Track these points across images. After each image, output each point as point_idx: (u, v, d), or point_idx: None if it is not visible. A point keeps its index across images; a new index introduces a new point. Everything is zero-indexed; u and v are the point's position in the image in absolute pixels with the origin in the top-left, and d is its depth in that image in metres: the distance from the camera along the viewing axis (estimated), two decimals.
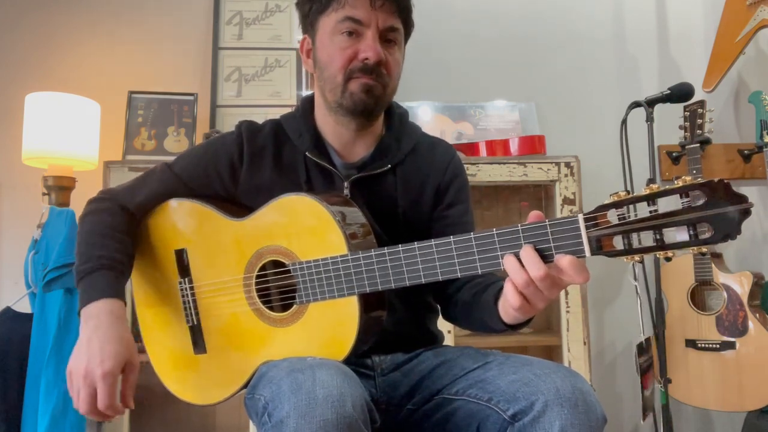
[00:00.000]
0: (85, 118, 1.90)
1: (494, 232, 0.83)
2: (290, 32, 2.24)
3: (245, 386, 1.02)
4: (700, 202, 0.70)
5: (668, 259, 0.75)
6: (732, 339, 1.87)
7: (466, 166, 1.90)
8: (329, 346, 0.95)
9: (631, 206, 0.75)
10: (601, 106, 2.34)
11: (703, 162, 1.91)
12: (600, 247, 0.77)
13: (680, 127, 1.96)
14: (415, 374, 1.05)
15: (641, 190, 0.75)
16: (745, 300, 1.87)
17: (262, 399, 0.85)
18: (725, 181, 0.69)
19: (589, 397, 0.85)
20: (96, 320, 0.96)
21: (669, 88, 1.82)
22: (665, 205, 0.73)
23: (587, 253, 0.78)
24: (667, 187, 0.72)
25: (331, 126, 1.11)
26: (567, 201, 1.94)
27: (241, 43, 2.21)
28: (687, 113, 1.95)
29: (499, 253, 0.84)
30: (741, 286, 1.89)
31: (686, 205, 0.71)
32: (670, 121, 2.07)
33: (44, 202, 1.86)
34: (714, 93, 2.22)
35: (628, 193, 0.75)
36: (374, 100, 1.04)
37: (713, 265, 1.92)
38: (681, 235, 0.72)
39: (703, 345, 1.91)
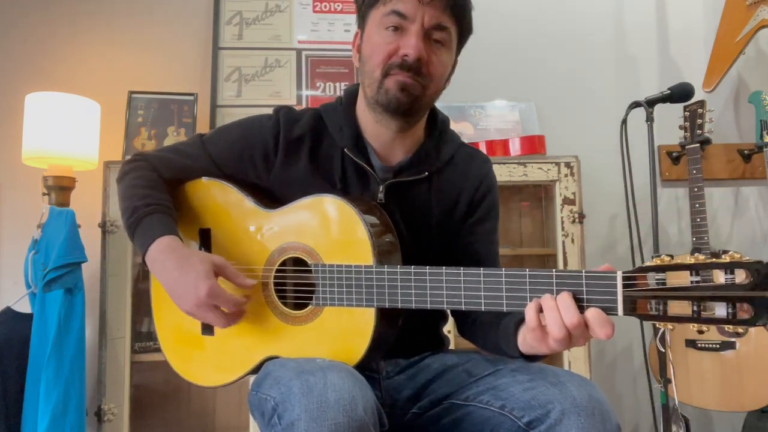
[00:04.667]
0: (85, 118, 1.90)
1: (527, 272, 0.82)
2: (290, 32, 2.24)
3: (246, 375, 1.02)
4: (746, 281, 0.69)
5: (700, 332, 0.73)
6: (732, 339, 1.87)
7: None
8: (339, 352, 0.95)
9: (672, 273, 0.73)
10: (601, 106, 2.34)
11: (703, 162, 1.91)
12: (633, 308, 0.75)
13: (680, 127, 1.96)
14: (421, 378, 1.04)
15: (686, 257, 0.73)
16: None
17: (271, 400, 0.84)
18: None
19: (605, 406, 0.85)
20: (159, 263, 0.98)
21: (669, 88, 1.82)
22: (708, 276, 0.72)
23: (620, 312, 0.76)
24: (713, 260, 0.71)
25: (371, 124, 1.07)
26: (567, 201, 1.94)
27: (241, 43, 2.21)
28: (687, 113, 1.95)
29: (528, 295, 0.82)
30: None
31: (730, 281, 0.69)
32: (670, 121, 2.06)
33: (44, 202, 1.86)
34: (714, 93, 2.22)
35: (672, 258, 0.74)
36: (410, 100, 1.00)
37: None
38: (719, 310, 0.70)
39: (703, 345, 1.91)
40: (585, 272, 0.78)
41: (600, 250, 2.25)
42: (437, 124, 1.13)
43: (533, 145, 2.04)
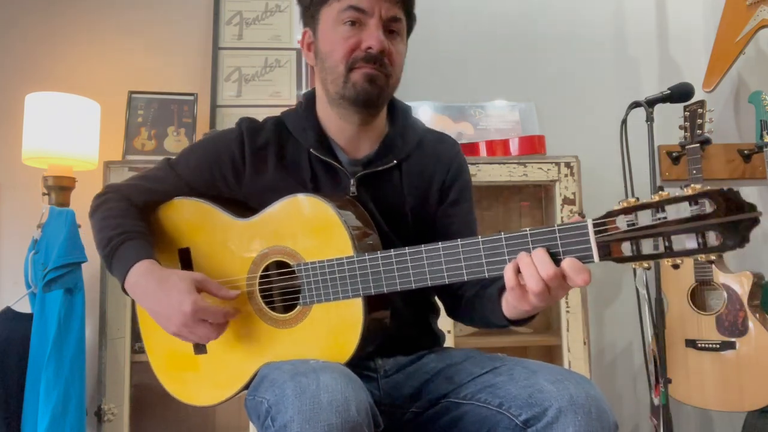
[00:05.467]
0: (85, 118, 1.90)
1: (502, 236, 0.83)
2: (290, 32, 2.24)
3: (246, 387, 1.02)
4: (709, 210, 0.70)
5: (676, 266, 0.75)
6: (732, 339, 1.87)
7: None
8: (332, 348, 0.95)
9: (640, 213, 0.75)
10: (601, 106, 2.34)
11: (703, 162, 1.91)
12: (608, 252, 0.77)
13: (680, 127, 1.96)
14: (419, 376, 1.04)
15: (651, 197, 0.75)
16: (745, 300, 1.87)
17: (265, 403, 0.84)
18: (734, 189, 0.69)
19: (602, 404, 0.85)
20: (140, 288, 0.99)
21: (669, 88, 1.82)
22: (674, 212, 0.73)
23: (596, 258, 0.78)
24: (676, 194, 0.72)
25: (334, 121, 1.09)
26: (567, 201, 1.94)
27: (241, 43, 2.21)
28: (687, 113, 1.95)
29: (506, 258, 0.83)
30: (741, 286, 1.88)
31: (695, 212, 0.71)
32: (670, 121, 2.07)
33: (44, 202, 1.86)
34: (714, 93, 2.21)
35: (638, 199, 0.75)
36: (377, 90, 1.03)
37: (713, 265, 1.92)
38: (690, 242, 0.72)
39: (703, 345, 1.91)
40: (557, 226, 0.80)
41: None
42: (398, 113, 1.15)
43: (533, 145, 2.04)
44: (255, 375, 0.99)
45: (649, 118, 1.81)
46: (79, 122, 1.87)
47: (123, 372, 1.80)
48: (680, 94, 1.81)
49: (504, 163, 1.94)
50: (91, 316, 1.86)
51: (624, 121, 1.86)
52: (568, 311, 1.91)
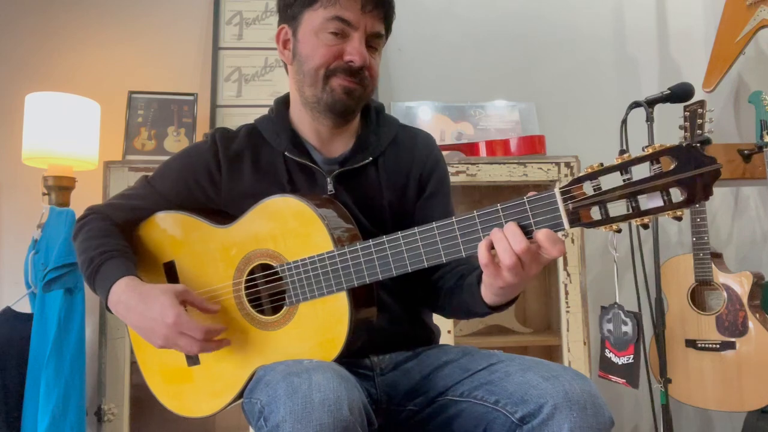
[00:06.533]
0: (85, 118, 1.90)
1: (475, 213, 0.85)
2: None
3: (242, 393, 1.02)
4: (671, 167, 0.72)
5: (645, 227, 0.77)
6: (732, 339, 1.87)
7: (466, 166, 1.91)
8: (322, 344, 0.95)
9: (605, 177, 0.76)
10: (601, 106, 2.34)
11: None
12: (578, 218, 0.79)
13: (680, 127, 1.96)
14: (416, 374, 1.04)
15: (614, 159, 0.76)
16: (745, 300, 1.87)
17: (259, 403, 0.85)
18: (693, 144, 0.71)
19: (598, 400, 0.85)
20: (123, 305, 1.00)
21: (669, 88, 1.82)
22: (638, 172, 0.75)
23: (566, 225, 0.79)
24: (638, 155, 0.74)
25: (307, 123, 1.10)
26: None
27: (241, 43, 2.21)
28: (687, 113, 1.95)
29: (481, 235, 0.84)
30: (741, 286, 1.88)
31: (657, 171, 0.73)
32: (670, 121, 2.06)
33: (44, 202, 1.86)
34: (714, 93, 2.22)
35: (601, 164, 0.77)
36: (354, 101, 1.05)
37: (713, 265, 1.92)
38: (655, 201, 0.74)
39: (703, 345, 1.91)
40: (526, 198, 0.82)
41: (599, 250, 2.25)
42: (371, 111, 1.16)
43: (533, 145, 2.04)
44: (249, 380, 1.00)
45: (649, 118, 1.81)
46: (79, 122, 1.87)
47: (123, 372, 1.80)
48: (680, 94, 1.81)
49: (504, 163, 1.94)
50: (91, 316, 1.86)
51: (624, 121, 1.86)
52: (568, 311, 1.91)
